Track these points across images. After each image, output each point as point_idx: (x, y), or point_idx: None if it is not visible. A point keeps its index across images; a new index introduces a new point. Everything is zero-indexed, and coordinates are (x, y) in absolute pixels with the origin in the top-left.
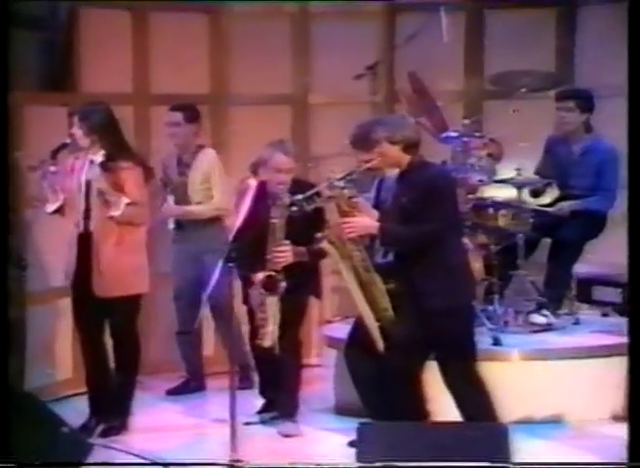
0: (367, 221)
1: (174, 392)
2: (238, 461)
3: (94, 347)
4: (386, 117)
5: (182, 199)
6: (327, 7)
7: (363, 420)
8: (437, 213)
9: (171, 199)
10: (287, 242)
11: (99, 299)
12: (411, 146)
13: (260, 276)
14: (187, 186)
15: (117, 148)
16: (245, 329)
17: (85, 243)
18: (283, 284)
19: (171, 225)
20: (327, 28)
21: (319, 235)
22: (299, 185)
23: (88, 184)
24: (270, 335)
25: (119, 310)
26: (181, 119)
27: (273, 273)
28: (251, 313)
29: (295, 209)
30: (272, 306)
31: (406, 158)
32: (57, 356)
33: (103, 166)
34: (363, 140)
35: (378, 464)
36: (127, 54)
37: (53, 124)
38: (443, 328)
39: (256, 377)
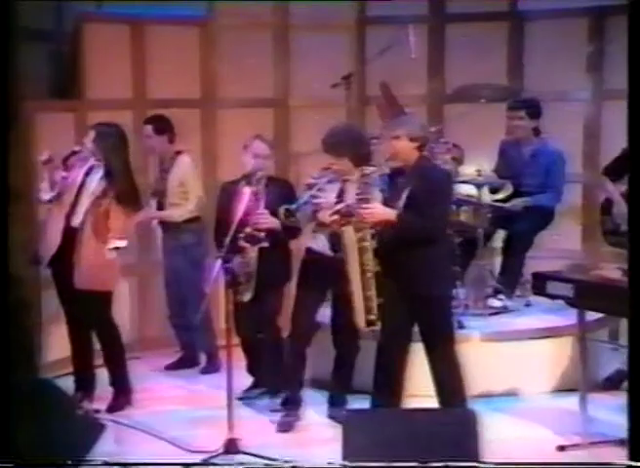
0: (385, 209)
1: (171, 367)
2: (234, 441)
3: (79, 332)
4: (407, 117)
5: (162, 200)
6: (305, 20)
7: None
8: (443, 207)
9: (153, 202)
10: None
11: (77, 290)
12: (424, 145)
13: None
14: (166, 190)
15: (118, 170)
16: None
17: (68, 236)
18: (262, 235)
19: (154, 223)
20: (305, 39)
21: (335, 216)
22: (273, 181)
23: (82, 184)
24: (250, 291)
25: (92, 302)
26: (151, 131)
27: (255, 232)
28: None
29: (292, 219)
30: (253, 262)
31: (416, 155)
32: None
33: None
34: (336, 147)
35: (365, 464)
36: (126, 63)
37: (61, 129)
38: (429, 311)
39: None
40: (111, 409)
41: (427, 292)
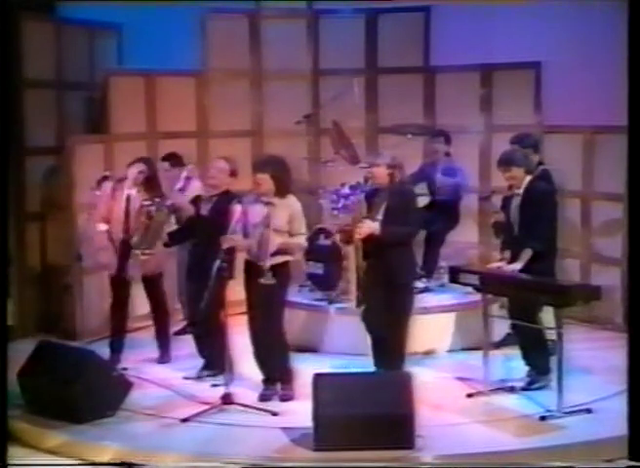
0: (372, 224)
1: (179, 333)
2: (229, 395)
3: (121, 307)
4: (383, 152)
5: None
6: (274, 71)
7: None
8: (414, 216)
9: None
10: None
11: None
12: (396, 169)
13: None
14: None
15: (152, 190)
16: None
17: (126, 245)
18: None
19: None
20: (275, 86)
21: (337, 236)
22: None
23: (127, 208)
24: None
25: (150, 283)
26: (168, 166)
27: None
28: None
29: None
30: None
31: (389, 178)
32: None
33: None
34: (260, 164)
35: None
36: (141, 106)
37: (94, 156)
38: (401, 292)
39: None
40: (160, 360)
41: (401, 280)
